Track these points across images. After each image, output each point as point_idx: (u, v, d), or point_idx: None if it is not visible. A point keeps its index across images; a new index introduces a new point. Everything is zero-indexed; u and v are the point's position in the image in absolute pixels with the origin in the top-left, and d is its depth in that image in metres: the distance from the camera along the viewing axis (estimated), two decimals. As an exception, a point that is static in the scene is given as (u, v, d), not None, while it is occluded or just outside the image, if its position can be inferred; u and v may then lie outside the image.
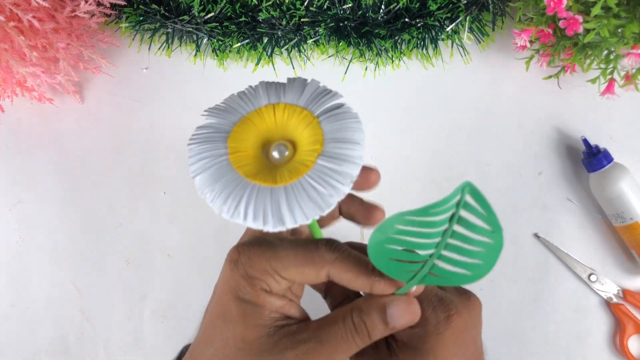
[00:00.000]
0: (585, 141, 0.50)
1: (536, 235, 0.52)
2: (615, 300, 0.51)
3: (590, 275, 0.51)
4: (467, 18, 0.51)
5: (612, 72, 0.45)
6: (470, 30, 0.52)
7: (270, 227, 0.22)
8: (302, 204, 0.22)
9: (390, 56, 0.53)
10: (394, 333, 0.30)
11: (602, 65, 0.45)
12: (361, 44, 0.52)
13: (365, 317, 0.25)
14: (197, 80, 0.54)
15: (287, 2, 0.50)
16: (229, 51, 0.53)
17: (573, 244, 0.52)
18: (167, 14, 0.51)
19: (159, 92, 0.54)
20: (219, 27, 0.51)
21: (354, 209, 0.30)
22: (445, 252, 0.22)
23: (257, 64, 0.53)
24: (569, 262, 0.51)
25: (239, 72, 0.54)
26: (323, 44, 0.53)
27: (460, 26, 0.51)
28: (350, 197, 0.30)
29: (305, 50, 0.53)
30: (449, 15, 0.50)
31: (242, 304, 0.25)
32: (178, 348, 0.31)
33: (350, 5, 0.50)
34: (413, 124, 0.54)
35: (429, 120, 0.53)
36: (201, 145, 0.24)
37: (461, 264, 0.22)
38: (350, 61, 0.54)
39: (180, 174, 0.53)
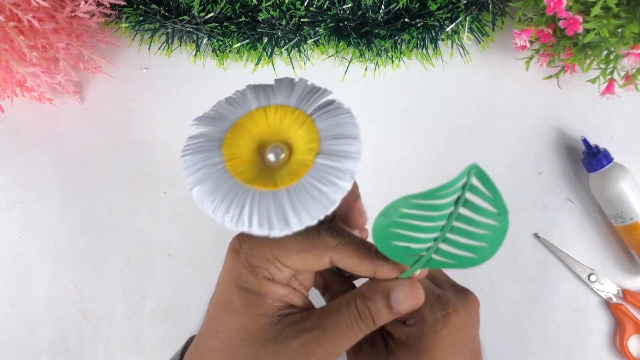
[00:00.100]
0: (585, 141, 0.50)
1: (536, 235, 0.52)
2: (615, 300, 0.51)
3: (590, 275, 0.51)
4: (467, 18, 0.51)
5: (612, 72, 0.45)
6: (470, 30, 0.52)
7: (277, 232, 0.22)
8: (306, 205, 0.22)
9: (390, 56, 0.53)
10: (391, 332, 0.30)
11: (602, 65, 0.45)
12: (361, 44, 0.52)
13: (369, 302, 0.25)
14: (197, 80, 0.54)
15: (287, 2, 0.50)
16: (229, 51, 0.53)
17: (573, 244, 0.52)
18: (167, 14, 0.51)
19: (159, 92, 0.54)
20: (219, 27, 0.51)
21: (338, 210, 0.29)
22: (450, 235, 0.22)
23: (257, 64, 0.53)
24: (569, 262, 0.51)
25: (239, 72, 0.54)
26: (323, 44, 0.53)
27: (460, 26, 0.51)
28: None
29: (305, 51, 0.53)
30: (448, 15, 0.50)
31: (245, 294, 0.25)
32: (178, 348, 0.31)
33: (350, 5, 0.50)
34: (413, 124, 0.54)
35: (429, 120, 0.53)
36: (195, 155, 0.24)
37: (466, 247, 0.22)
38: (350, 61, 0.54)
39: (180, 174, 0.53)
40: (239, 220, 0.22)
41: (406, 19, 0.50)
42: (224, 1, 0.50)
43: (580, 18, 0.41)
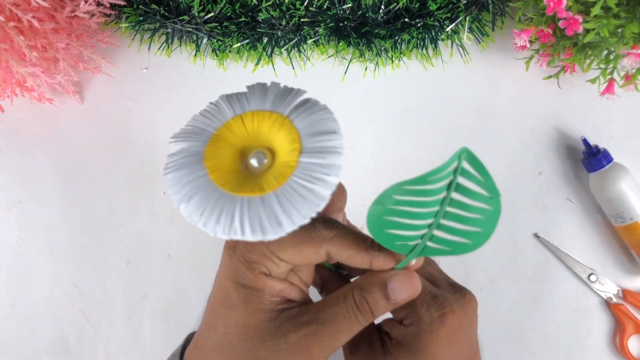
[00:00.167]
0: (585, 141, 0.50)
1: (536, 235, 0.52)
2: (615, 300, 0.51)
3: (590, 275, 0.51)
4: (467, 18, 0.51)
5: (612, 72, 0.45)
6: (470, 30, 0.52)
7: (271, 236, 0.22)
8: (296, 205, 0.22)
9: (390, 56, 0.53)
10: (388, 331, 0.30)
11: (602, 65, 0.45)
12: (361, 44, 0.52)
13: (366, 294, 0.25)
14: (197, 80, 0.54)
15: (287, 2, 0.50)
16: (229, 51, 0.53)
17: (573, 244, 0.52)
18: (167, 14, 0.51)
19: (159, 92, 0.54)
20: (219, 27, 0.51)
21: None
22: (444, 221, 0.22)
23: (257, 64, 0.53)
24: (569, 262, 0.51)
25: (238, 72, 0.54)
26: (323, 44, 0.53)
27: (460, 26, 0.51)
28: None
29: (305, 51, 0.53)
30: (448, 15, 0.50)
31: (242, 290, 0.25)
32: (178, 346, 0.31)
33: (350, 5, 0.50)
34: (413, 124, 0.54)
35: (429, 120, 0.53)
36: (178, 172, 0.24)
37: (460, 233, 0.22)
38: (350, 61, 0.54)
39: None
40: (230, 229, 0.22)
41: (406, 19, 0.50)
42: (224, 1, 0.50)
43: (580, 18, 0.41)
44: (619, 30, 0.41)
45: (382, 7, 0.50)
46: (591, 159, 0.49)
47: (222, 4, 0.50)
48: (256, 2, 0.51)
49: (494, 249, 0.51)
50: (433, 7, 0.50)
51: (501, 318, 0.51)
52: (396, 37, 0.51)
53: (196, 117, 0.26)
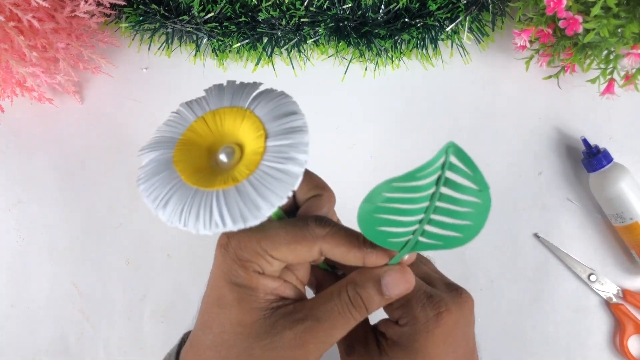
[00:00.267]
0: (585, 141, 0.50)
1: (536, 235, 0.52)
2: (615, 300, 0.51)
3: (590, 275, 0.51)
4: (467, 18, 0.51)
5: (612, 72, 0.45)
6: (470, 30, 0.52)
7: (252, 222, 0.22)
8: (271, 187, 0.22)
9: (390, 56, 0.53)
10: (383, 331, 0.30)
11: (602, 65, 0.45)
12: (361, 44, 0.52)
13: (360, 289, 0.25)
14: (197, 80, 0.54)
15: (287, 2, 0.50)
16: (229, 51, 0.53)
17: (573, 244, 0.52)
18: (166, 14, 0.51)
19: (159, 92, 0.54)
20: (219, 27, 0.51)
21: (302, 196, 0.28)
22: (434, 216, 0.22)
23: (257, 64, 0.53)
24: (569, 262, 0.51)
25: (238, 72, 0.54)
26: (323, 44, 0.53)
27: (460, 26, 0.51)
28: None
29: (305, 51, 0.53)
30: (448, 15, 0.50)
31: (236, 289, 0.25)
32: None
33: (350, 5, 0.50)
34: (413, 124, 0.54)
35: (429, 120, 0.53)
36: (150, 180, 0.24)
37: (451, 227, 0.22)
38: (350, 61, 0.54)
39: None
40: (211, 223, 0.22)
41: (406, 19, 0.50)
42: (224, 1, 0.50)
43: (580, 18, 0.41)
44: (619, 30, 0.41)
45: (382, 7, 0.50)
46: (591, 159, 0.49)
47: (222, 4, 0.50)
48: (256, 2, 0.51)
49: (494, 249, 0.51)
50: (433, 7, 0.50)
51: (501, 318, 0.51)
52: (396, 37, 0.51)
53: (160, 127, 0.27)
